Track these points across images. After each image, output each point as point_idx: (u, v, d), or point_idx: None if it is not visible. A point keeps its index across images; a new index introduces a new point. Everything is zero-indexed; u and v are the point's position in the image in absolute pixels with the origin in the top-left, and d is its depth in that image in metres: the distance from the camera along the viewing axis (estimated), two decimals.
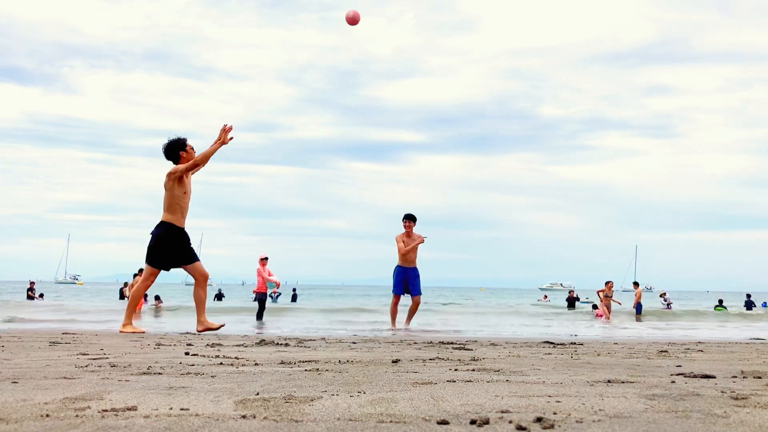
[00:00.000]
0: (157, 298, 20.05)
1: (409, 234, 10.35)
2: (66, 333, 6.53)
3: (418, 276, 10.42)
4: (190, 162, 6.90)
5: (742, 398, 2.07)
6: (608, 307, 17.27)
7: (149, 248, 6.98)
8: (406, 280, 10.33)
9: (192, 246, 7.14)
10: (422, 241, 10.26)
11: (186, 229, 7.10)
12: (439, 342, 5.47)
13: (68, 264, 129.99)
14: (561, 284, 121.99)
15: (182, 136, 7.14)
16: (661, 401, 2.00)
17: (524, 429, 1.59)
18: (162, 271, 7.13)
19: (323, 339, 5.89)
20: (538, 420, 1.67)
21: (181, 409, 1.81)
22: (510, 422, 1.66)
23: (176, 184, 6.88)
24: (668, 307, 23.86)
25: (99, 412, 1.75)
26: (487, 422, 1.65)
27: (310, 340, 5.67)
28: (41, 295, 25.81)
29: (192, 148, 7.09)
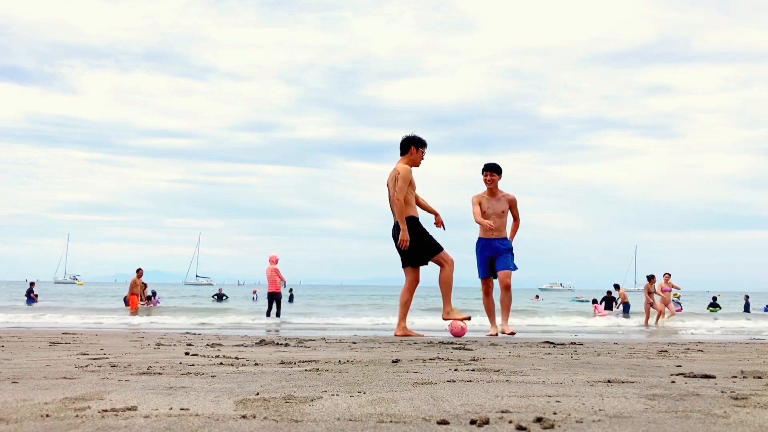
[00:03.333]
0: (149, 298, 19.90)
1: (493, 192, 7.58)
2: (66, 333, 6.54)
3: (510, 248, 7.60)
4: (402, 192, 6.82)
5: (742, 398, 2.07)
6: (658, 304, 15.99)
7: (417, 247, 6.88)
8: (494, 257, 7.58)
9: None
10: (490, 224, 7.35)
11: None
12: (439, 342, 5.47)
13: (68, 264, 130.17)
14: (561, 284, 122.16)
15: (426, 140, 7.15)
16: (661, 401, 2.00)
17: (524, 429, 1.58)
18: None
19: (323, 339, 5.89)
20: (538, 420, 1.67)
21: (181, 409, 1.81)
22: (510, 422, 1.65)
23: (407, 185, 6.85)
24: (679, 310, 23.72)
25: (99, 412, 1.75)
26: (487, 422, 1.65)
27: (310, 340, 5.67)
28: (36, 296, 25.71)
29: (423, 155, 7.11)
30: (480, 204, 7.52)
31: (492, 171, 7.55)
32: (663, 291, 16.04)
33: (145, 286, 21.00)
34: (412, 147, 7.08)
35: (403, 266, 7.06)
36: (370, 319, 14.05)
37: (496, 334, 7.34)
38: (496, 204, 7.56)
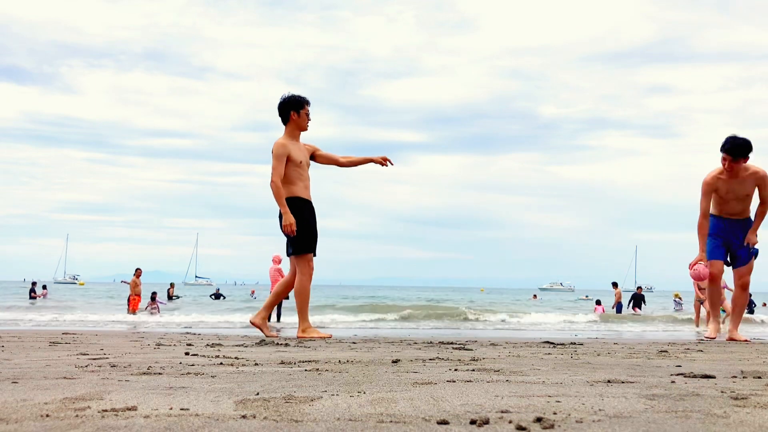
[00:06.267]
0: (152, 299, 19.86)
1: (732, 172, 6.07)
2: (66, 333, 6.54)
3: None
4: (328, 157, 6.34)
5: (742, 398, 2.07)
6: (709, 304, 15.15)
7: (301, 233, 6.11)
8: (731, 245, 6.28)
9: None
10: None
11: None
12: (439, 342, 5.47)
13: (67, 264, 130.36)
14: (561, 284, 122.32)
15: (304, 96, 6.31)
16: (661, 401, 2.00)
17: (524, 429, 1.58)
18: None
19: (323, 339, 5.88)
20: (538, 420, 1.67)
21: (181, 409, 1.81)
22: (510, 422, 1.65)
23: (282, 164, 6.07)
24: (679, 310, 23.62)
25: (99, 412, 1.75)
26: (487, 422, 1.65)
27: (310, 340, 5.67)
28: (44, 287, 25.73)
29: (308, 114, 6.27)
30: (717, 190, 6.16)
31: (739, 155, 6.02)
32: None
33: (172, 286, 20.96)
34: (292, 112, 6.21)
35: (292, 255, 6.21)
36: (370, 320, 14.05)
37: (715, 338, 6.35)
38: (738, 187, 6.15)
